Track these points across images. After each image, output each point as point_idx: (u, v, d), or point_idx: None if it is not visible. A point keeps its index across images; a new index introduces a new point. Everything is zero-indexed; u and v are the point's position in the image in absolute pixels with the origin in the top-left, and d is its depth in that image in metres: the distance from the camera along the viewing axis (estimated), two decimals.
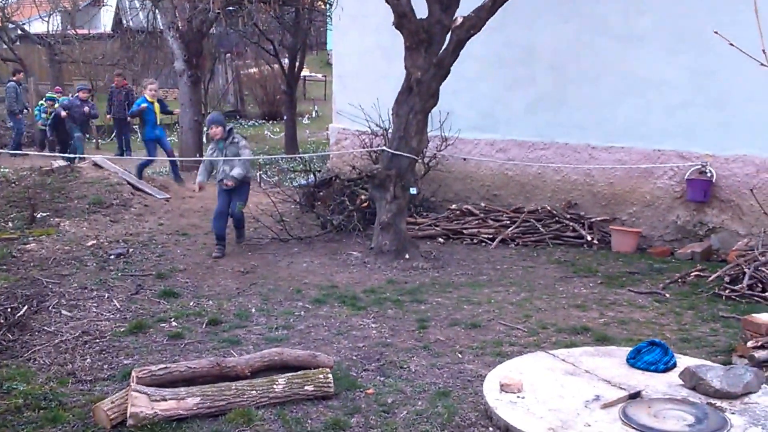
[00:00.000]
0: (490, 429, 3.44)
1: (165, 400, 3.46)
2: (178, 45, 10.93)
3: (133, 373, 3.67)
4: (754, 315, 4.34)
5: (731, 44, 1.99)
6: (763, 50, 1.47)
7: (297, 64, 14.45)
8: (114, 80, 13.85)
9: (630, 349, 3.25)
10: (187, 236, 7.73)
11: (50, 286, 5.81)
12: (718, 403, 2.72)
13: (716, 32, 2.22)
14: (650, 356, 3.09)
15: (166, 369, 3.73)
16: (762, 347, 4.12)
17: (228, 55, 21.60)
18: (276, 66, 16.34)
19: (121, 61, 16.49)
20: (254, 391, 3.69)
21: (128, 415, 3.39)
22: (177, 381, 3.70)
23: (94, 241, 7.16)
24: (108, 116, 14.03)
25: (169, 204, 8.86)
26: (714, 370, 2.86)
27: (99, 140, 15.29)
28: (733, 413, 2.65)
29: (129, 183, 9.02)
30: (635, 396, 2.79)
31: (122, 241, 7.30)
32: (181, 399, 3.50)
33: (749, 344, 4.13)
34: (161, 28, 12.46)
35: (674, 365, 3.08)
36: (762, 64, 1.97)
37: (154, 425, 3.41)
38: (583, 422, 2.62)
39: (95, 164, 9.40)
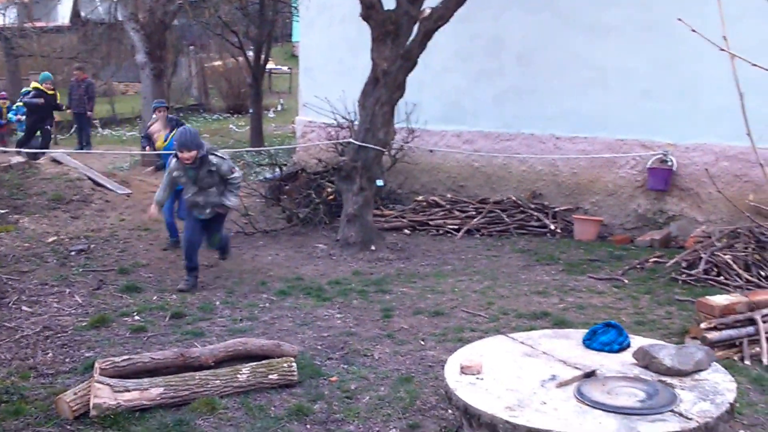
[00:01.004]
0: (450, 411, 3.51)
1: (128, 390, 3.44)
2: (140, 37, 10.73)
3: (96, 365, 3.64)
4: (707, 297, 4.50)
5: (693, 30, 2.06)
6: (724, 36, 1.54)
7: (262, 56, 14.33)
8: (73, 74, 13.56)
9: (586, 331, 3.34)
10: (150, 231, 7.64)
11: (10, 282, 5.69)
12: (669, 380, 2.82)
13: (680, 19, 2.27)
14: (605, 337, 3.19)
15: (130, 360, 3.71)
16: (715, 328, 4.28)
17: (191, 47, 21.30)
18: (241, 58, 16.18)
19: (80, 54, 16.12)
20: (218, 381, 3.69)
21: (91, 406, 3.37)
22: (140, 372, 3.68)
23: (55, 238, 7.03)
24: (68, 111, 13.73)
25: (130, 199, 8.73)
26: (666, 348, 2.96)
27: (58, 135, 14.95)
28: (683, 389, 2.75)
29: (89, 178, 8.86)
30: (590, 375, 2.87)
31: (83, 237, 7.18)
32: (144, 389, 3.49)
33: (702, 326, 4.28)
34: (121, 19, 12.22)
35: (628, 345, 3.18)
36: (722, 49, 2.04)
37: (117, 415, 3.39)
38: (539, 400, 2.69)
39: (54, 160, 9.21)
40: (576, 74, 8.21)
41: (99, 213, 8.08)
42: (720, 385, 2.76)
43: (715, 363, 2.98)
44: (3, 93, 14.38)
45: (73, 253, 6.63)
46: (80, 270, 6.16)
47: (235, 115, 19.35)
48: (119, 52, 16.72)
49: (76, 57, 15.58)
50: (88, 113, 13.05)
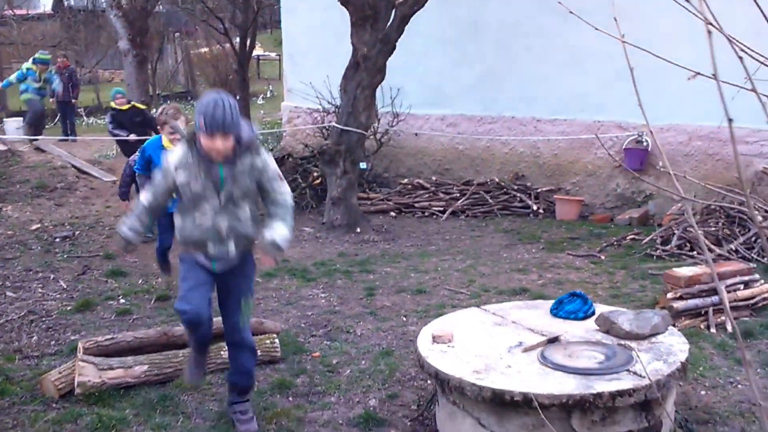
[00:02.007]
0: (428, 381, 3.64)
1: (112, 368, 3.54)
2: (122, 24, 10.72)
3: (80, 344, 3.73)
4: (674, 269, 4.64)
5: (571, 12, 2.11)
6: (615, 18, 1.62)
7: (248, 42, 14.29)
8: (57, 62, 13.50)
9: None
10: None
11: None
12: (628, 343, 2.96)
13: (559, 1, 2.29)
14: (571, 306, 3.33)
15: (113, 339, 3.81)
16: (680, 298, 4.43)
17: (177, 34, 21.20)
18: (227, 45, 16.13)
19: (62, 41, 16.00)
20: None
21: (76, 384, 3.47)
22: (124, 351, 3.78)
23: (39, 225, 7.07)
24: (51, 99, 13.67)
25: (115, 186, 8.77)
26: (625, 314, 3.10)
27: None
28: (640, 351, 2.89)
29: (74, 166, 8.88)
30: (554, 340, 3.01)
31: (68, 224, 7.23)
32: (128, 367, 3.59)
33: (668, 296, 4.43)
34: (103, 6, 12.17)
35: (593, 313, 3.31)
36: (596, 29, 2.10)
37: (102, 392, 3.49)
38: (505, 364, 2.82)
39: (37, 148, 9.22)
40: (552, 57, 8.29)
41: (84, 200, 8.12)
42: (674, 347, 2.90)
43: (671, 327, 3.12)
44: None
45: (57, 239, 6.69)
46: (65, 256, 6.23)
47: None
48: (99, 38, 16.63)
49: (58, 44, 15.47)
50: (72, 101, 13.01)
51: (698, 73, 1.27)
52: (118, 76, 20.15)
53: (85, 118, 16.57)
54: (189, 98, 20.22)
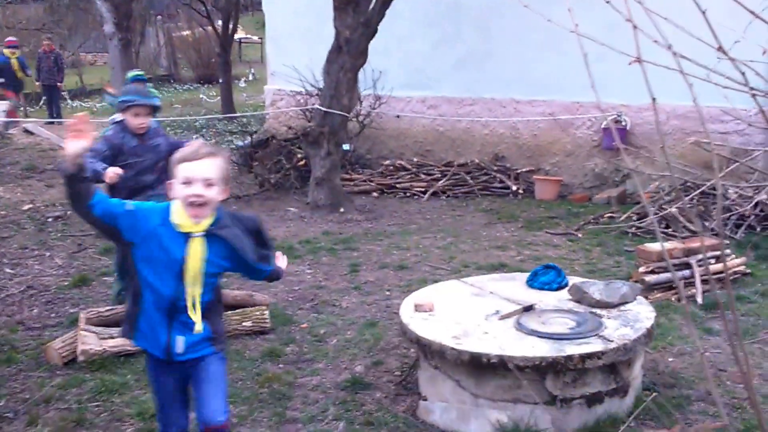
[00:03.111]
0: (412, 350, 3.87)
1: (113, 338, 3.73)
2: (107, 8, 10.72)
3: (81, 315, 3.91)
4: (646, 245, 4.90)
5: (524, 5, 2.25)
6: (569, 9, 1.77)
7: (230, 25, 14.32)
8: (42, 45, 13.46)
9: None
10: None
11: None
12: (598, 311, 3.20)
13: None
14: (545, 277, 3.55)
15: (113, 310, 3.99)
16: (652, 272, 4.69)
17: (159, 17, 21.05)
18: (209, 28, 16.12)
19: (47, 25, 15.88)
20: None
21: (79, 352, 3.65)
22: (123, 321, 3.95)
23: (30, 206, 7.18)
24: (37, 83, 13.65)
25: None
26: (596, 285, 3.34)
27: (28, 108, 14.85)
28: (609, 318, 3.13)
29: (62, 148, 8.95)
30: (529, 309, 3.24)
31: (59, 204, 7.33)
32: None
33: (641, 270, 4.69)
34: None
35: (566, 284, 3.54)
36: (535, 13, 2.26)
37: (104, 360, 3.68)
38: (483, 330, 3.05)
39: (26, 130, 9.27)
40: (531, 38, 8.44)
41: None
42: (641, 314, 3.15)
43: (639, 296, 3.36)
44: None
45: (50, 219, 6.80)
46: (58, 235, 6.36)
47: (206, 85, 19.30)
48: (86, 23, 16.51)
49: (43, 28, 15.35)
50: (58, 84, 13.01)
51: (638, 59, 1.46)
52: (100, 59, 20.03)
53: (69, 101, 16.51)
54: (171, 81, 20.15)
